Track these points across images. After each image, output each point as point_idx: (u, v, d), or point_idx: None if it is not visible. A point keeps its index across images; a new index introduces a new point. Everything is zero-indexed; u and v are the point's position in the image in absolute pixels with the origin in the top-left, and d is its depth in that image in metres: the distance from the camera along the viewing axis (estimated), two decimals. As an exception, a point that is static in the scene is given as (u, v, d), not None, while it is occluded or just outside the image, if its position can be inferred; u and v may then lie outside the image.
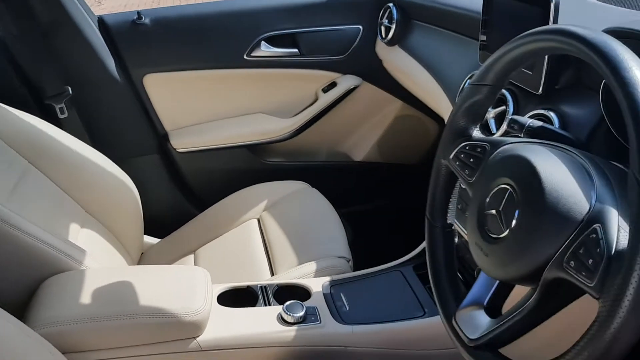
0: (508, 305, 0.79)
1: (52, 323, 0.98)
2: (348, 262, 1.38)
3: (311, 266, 1.32)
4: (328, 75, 1.87)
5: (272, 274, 1.37)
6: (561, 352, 0.64)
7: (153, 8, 1.79)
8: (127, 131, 1.81)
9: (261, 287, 1.21)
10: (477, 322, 0.77)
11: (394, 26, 1.70)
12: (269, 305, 1.17)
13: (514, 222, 0.70)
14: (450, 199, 0.89)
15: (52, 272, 1.08)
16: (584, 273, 0.60)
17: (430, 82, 1.50)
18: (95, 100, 1.74)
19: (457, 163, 0.85)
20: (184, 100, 1.84)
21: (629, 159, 0.57)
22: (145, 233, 1.61)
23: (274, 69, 1.83)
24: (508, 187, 0.72)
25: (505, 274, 0.71)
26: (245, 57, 1.79)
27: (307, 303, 1.16)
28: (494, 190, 0.74)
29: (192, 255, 1.53)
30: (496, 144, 0.80)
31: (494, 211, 0.73)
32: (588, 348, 0.57)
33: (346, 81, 1.88)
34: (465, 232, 1.07)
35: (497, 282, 0.79)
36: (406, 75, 1.72)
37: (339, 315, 1.16)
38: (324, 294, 1.21)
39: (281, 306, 1.13)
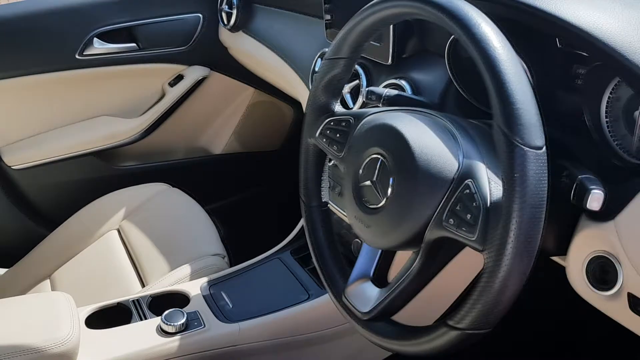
0: (393, 272, 0.80)
1: None
2: (223, 258, 1.34)
3: (185, 270, 1.26)
4: (173, 68, 1.79)
5: (143, 286, 1.29)
6: (447, 305, 0.66)
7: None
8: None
9: (133, 301, 1.13)
10: (367, 295, 0.77)
11: (235, 11, 1.66)
12: (146, 319, 1.09)
13: (389, 190, 0.70)
14: (322, 177, 0.88)
15: None
16: (464, 228, 0.61)
17: (281, 65, 1.48)
18: None
19: (324, 140, 0.84)
20: (14, 111, 1.66)
21: (492, 111, 0.59)
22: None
23: (112, 67, 1.70)
24: (379, 156, 0.72)
25: (389, 242, 0.71)
26: (77, 56, 1.65)
27: (187, 309, 1.10)
28: (365, 162, 0.74)
29: (47, 281, 1.40)
30: (359, 116, 0.80)
31: (369, 182, 0.73)
32: (481, 300, 0.59)
33: (193, 73, 1.81)
34: (341, 210, 1.08)
35: (380, 252, 0.79)
36: (255, 60, 1.68)
37: (223, 315, 1.11)
38: (204, 296, 1.15)
39: (159, 317, 1.05)
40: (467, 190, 0.62)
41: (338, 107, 0.86)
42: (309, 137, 0.87)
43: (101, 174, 1.78)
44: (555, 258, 0.78)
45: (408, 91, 1.01)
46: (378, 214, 0.71)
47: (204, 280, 1.21)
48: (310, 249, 0.86)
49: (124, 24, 1.69)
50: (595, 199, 0.63)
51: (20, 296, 1.30)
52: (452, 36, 0.92)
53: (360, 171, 0.74)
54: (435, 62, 1.01)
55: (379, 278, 0.79)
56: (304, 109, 1.35)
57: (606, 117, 0.77)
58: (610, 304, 0.71)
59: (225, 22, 1.70)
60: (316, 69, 1.25)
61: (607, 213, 0.68)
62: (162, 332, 1.04)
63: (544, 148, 0.57)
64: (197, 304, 1.13)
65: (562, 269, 0.76)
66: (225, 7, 1.69)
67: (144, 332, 1.05)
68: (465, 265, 0.70)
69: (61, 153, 1.71)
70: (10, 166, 1.66)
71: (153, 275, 1.29)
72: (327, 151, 0.84)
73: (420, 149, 0.68)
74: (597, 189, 0.63)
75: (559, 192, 0.67)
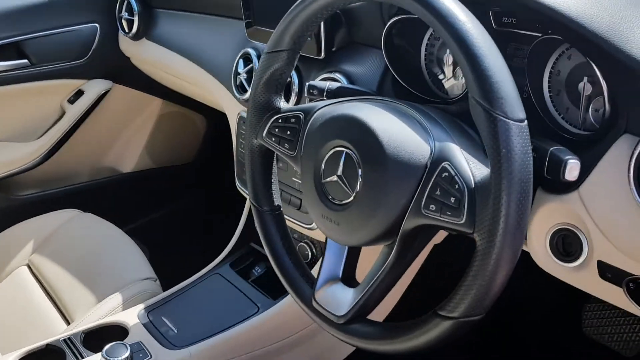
0: (359, 270, 0.76)
1: None
2: (155, 281, 1.24)
3: (116, 299, 1.15)
4: (71, 84, 1.65)
5: (68, 323, 1.16)
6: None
7: None
8: None
9: (64, 340, 1.02)
10: (339, 298, 0.73)
11: (136, 18, 1.55)
12: (83, 357, 0.98)
13: (358, 182, 0.66)
14: (272, 180, 0.83)
15: None
16: (449, 213, 0.59)
17: (195, 71, 1.40)
18: None
19: (273, 139, 0.79)
20: None
21: (467, 86, 0.57)
22: None
23: (2, 87, 1.53)
24: (342, 148, 0.68)
25: (362, 238, 0.68)
26: None
27: (128, 340, 1.01)
28: (326, 156, 0.70)
29: (-49, 333, 1.22)
30: (309, 110, 0.77)
31: (334, 177, 0.69)
32: (475, 283, 0.57)
33: (94, 87, 1.67)
34: (297, 221, 1.02)
35: (347, 250, 0.75)
36: (162, 68, 1.59)
37: (168, 341, 1.03)
38: (143, 324, 1.06)
39: (99, 354, 0.95)
40: (446, 174, 0.60)
41: (283, 104, 0.81)
42: (254, 138, 0.81)
43: (-1, 205, 1.61)
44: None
45: (345, 83, 0.98)
46: (348, 209, 0.68)
47: (140, 308, 1.11)
48: (270, 256, 0.81)
49: (11, 40, 1.53)
50: (573, 169, 0.63)
51: None
52: (387, 25, 0.90)
53: (322, 167, 0.70)
54: (366, 53, 1.00)
55: (349, 278, 0.75)
56: (227, 115, 1.28)
57: (549, 91, 0.78)
58: (578, 275, 0.71)
59: (127, 30, 1.59)
60: (239, 70, 1.19)
61: (568, 184, 0.69)
62: (105, 370, 0.94)
63: (526, 121, 0.56)
64: (138, 334, 1.04)
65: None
66: (125, 14, 1.58)
67: (84, 374, 0.94)
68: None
69: (-52, 187, 1.53)
70: None
71: (78, 310, 1.17)
72: (277, 151, 0.79)
73: (387, 136, 0.65)
74: (572, 159, 0.63)
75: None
